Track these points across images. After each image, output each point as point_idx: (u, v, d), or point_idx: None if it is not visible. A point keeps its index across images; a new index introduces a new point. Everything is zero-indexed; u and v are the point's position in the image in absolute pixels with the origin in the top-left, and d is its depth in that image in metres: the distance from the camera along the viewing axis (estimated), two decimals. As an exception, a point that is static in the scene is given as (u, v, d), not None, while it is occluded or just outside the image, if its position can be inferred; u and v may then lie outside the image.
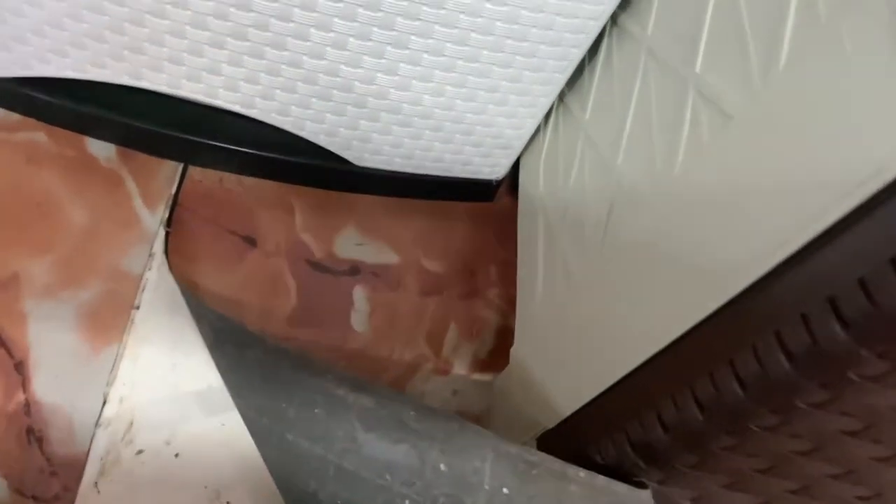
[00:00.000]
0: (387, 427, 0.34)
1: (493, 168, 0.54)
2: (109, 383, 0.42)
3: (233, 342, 0.39)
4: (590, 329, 0.37)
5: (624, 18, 0.41)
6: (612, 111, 0.40)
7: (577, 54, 0.44)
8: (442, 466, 0.32)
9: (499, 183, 0.56)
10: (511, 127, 0.50)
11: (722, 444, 0.29)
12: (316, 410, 0.36)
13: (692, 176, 0.31)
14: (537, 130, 0.52)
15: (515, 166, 0.56)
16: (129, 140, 0.50)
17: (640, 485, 0.32)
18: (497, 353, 0.51)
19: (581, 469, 0.31)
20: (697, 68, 0.32)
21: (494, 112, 0.48)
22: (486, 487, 0.31)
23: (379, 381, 0.45)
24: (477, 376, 0.50)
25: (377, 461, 0.34)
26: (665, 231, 0.32)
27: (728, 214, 0.28)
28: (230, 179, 0.52)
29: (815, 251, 0.24)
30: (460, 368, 0.50)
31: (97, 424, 0.41)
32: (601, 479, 0.31)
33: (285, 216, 0.52)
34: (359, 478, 0.34)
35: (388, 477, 0.33)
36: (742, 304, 0.27)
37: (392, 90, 0.45)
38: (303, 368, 0.36)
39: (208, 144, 0.49)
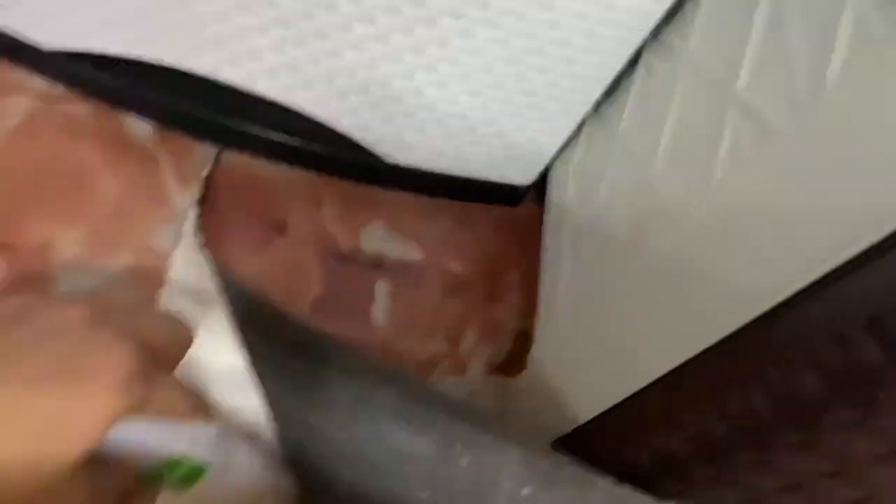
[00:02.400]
0: (411, 418, 0.34)
1: (522, 173, 0.54)
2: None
3: (261, 320, 0.40)
4: (615, 339, 0.38)
5: (666, 31, 0.41)
6: (649, 123, 0.40)
7: (617, 64, 0.44)
8: (463, 462, 0.32)
9: (526, 189, 0.56)
10: (545, 133, 0.50)
11: (745, 459, 0.28)
12: (342, 396, 0.36)
13: (730, 190, 0.31)
14: (570, 138, 0.52)
15: (543, 173, 0.56)
16: (167, 120, 0.51)
17: (663, 497, 0.32)
18: (515, 358, 0.52)
19: (603, 477, 0.31)
20: (740, 83, 0.32)
21: (529, 117, 0.48)
22: (507, 486, 0.32)
23: (406, 371, 0.45)
24: (494, 379, 0.50)
25: (399, 451, 0.34)
26: (699, 245, 0.32)
27: (765, 230, 0.28)
28: (262, 166, 0.52)
29: (853, 272, 0.24)
30: (477, 369, 0.50)
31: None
32: (623, 489, 0.31)
33: (314, 206, 0.52)
34: (379, 467, 0.34)
35: (408, 468, 0.34)
36: (775, 320, 0.27)
37: (430, 88, 0.46)
38: (332, 351, 0.36)
39: (244, 130, 0.50)
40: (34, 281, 0.43)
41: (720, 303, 0.29)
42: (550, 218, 0.52)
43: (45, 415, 0.22)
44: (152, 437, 0.27)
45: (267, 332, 0.40)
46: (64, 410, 0.23)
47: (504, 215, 0.58)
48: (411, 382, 0.35)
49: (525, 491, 0.31)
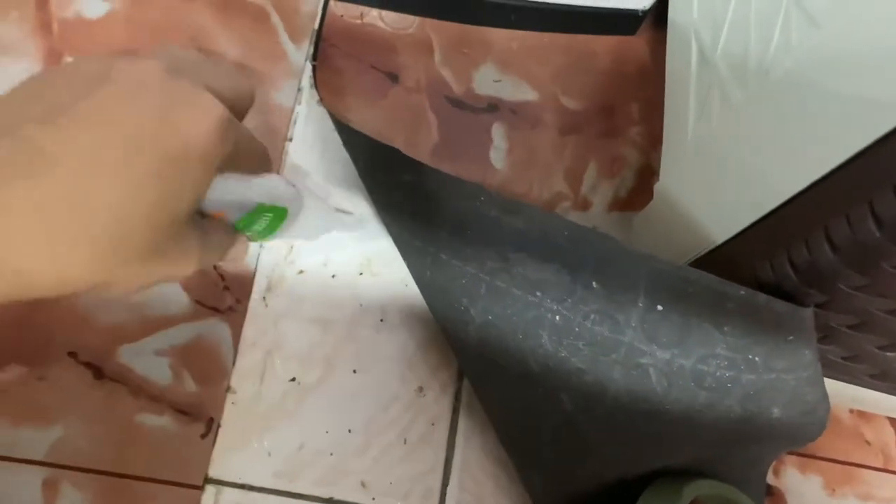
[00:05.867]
0: (538, 247, 0.34)
1: (640, -4, 0.51)
2: (270, 209, 0.45)
3: (385, 167, 0.40)
4: (745, 158, 0.36)
5: None
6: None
7: None
8: (594, 284, 0.33)
9: (644, 14, 0.53)
10: (664, -53, 0.46)
11: (894, 264, 0.27)
12: (468, 231, 0.36)
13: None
14: (692, -49, 0.48)
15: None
16: (272, -26, 0.50)
17: (802, 304, 0.31)
18: (638, 192, 0.51)
19: (741, 287, 0.31)
20: None
21: (647, -71, 0.45)
22: (640, 305, 0.32)
23: (530, 203, 0.46)
24: (617, 214, 0.50)
25: (528, 279, 0.35)
26: (840, 55, 0.29)
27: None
28: (371, 14, 0.51)
29: None
30: (599, 206, 0.50)
31: (261, 247, 0.44)
32: (762, 297, 0.31)
33: (425, 52, 0.52)
34: (510, 294, 0.35)
35: (538, 294, 0.34)
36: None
37: None
38: (455, 191, 0.37)
39: (349, -24, 0.49)
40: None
41: (851, 121, 0.27)
42: (673, 41, 0.49)
43: (152, 165, 0.22)
44: (239, 189, 0.29)
45: (391, 175, 0.40)
46: (170, 165, 0.23)
47: (621, 45, 0.55)
48: (537, 212, 0.35)
49: (659, 307, 0.31)
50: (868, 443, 0.48)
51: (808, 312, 0.31)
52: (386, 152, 0.39)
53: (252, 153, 0.30)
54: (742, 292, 0.31)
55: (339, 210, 0.41)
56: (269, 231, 0.33)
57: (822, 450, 0.47)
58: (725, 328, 0.31)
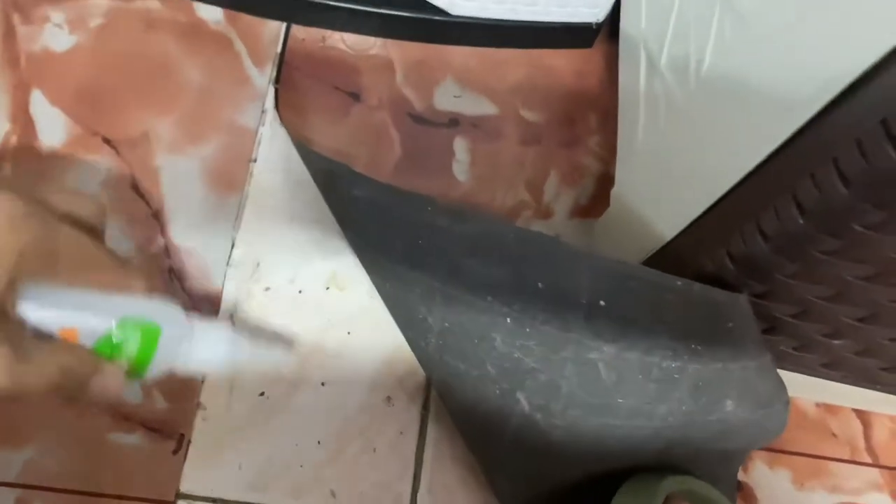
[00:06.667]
0: (487, 251, 0.35)
1: (592, 9, 0.52)
2: (236, 229, 0.46)
3: (341, 184, 0.42)
4: (688, 156, 0.37)
5: None
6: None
7: None
8: (540, 285, 0.34)
9: (599, 26, 0.54)
10: (611, -40, 0.48)
11: (823, 248, 0.28)
12: (420, 241, 0.37)
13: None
14: (639, -36, 0.49)
15: (615, 11, 0.54)
16: (234, 2, 0.52)
17: (737, 292, 0.32)
18: (598, 199, 0.52)
19: (678, 278, 0.32)
20: None
21: (592, -55, 0.46)
22: (584, 301, 0.33)
23: (478, 210, 0.46)
24: (578, 221, 0.51)
25: (479, 284, 0.36)
26: (766, 47, 0.31)
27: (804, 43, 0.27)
28: (332, 37, 0.53)
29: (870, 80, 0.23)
30: (561, 214, 0.51)
31: (228, 264, 0.45)
32: (697, 286, 0.32)
33: (386, 71, 0.53)
34: (463, 300, 0.36)
35: (489, 298, 0.35)
36: (843, 105, 0.26)
37: (485, -73, 0.44)
38: (406, 204, 0.38)
39: (308, 2, 0.51)
40: (138, 170, 0.47)
41: (789, 101, 0.28)
42: (624, 52, 0.50)
43: None
44: (91, 307, 0.26)
45: (348, 192, 0.42)
46: None
47: (577, 58, 0.56)
48: (485, 219, 0.36)
49: (602, 302, 0.32)
50: (834, 435, 0.49)
51: (743, 298, 0.32)
52: (337, 168, 0.40)
53: (100, 259, 0.27)
54: (678, 283, 0.32)
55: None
56: (143, 359, 0.28)
57: (790, 444, 0.48)
58: (666, 318, 0.32)
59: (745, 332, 0.33)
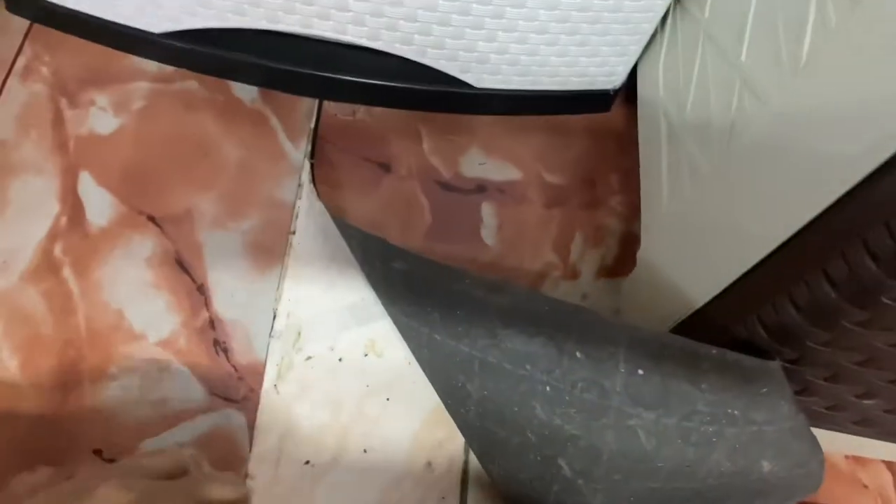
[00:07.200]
0: (523, 322, 0.37)
1: (609, 77, 0.55)
2: (277, 300, 0.47)
3: (379, 257, 0.43)
4: (717, 224, 0.39)
5: None
6: (733, 7, 0.40)
7: (693, -49, 0.43)
8: (578, 354, 0.35)
9: (616, 92, 0.57)
10: (627, 33, 0.50)
11: (855, 320, 0.30)
12: (458, 312, 0.39)
13: (818, 65, 0.31)
14: (654, 34, 0.52)
15: (631, 75, 0.56)
16: (268, 81, 0.54)
17: (770, 358, 0.34)
18: (623, 258, 0.53)
19: (713, 347, 0.33)
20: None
21: (610, 20, 0.49)
22: (622, 370, 0.34)
23: (513, 282, 0.48)
24: (605, 281, 0.53)
25: (517, 353, 0.37)
26: (789, 125, 0.32)
27: (849, 105, 0.28)
28: (362, 111, 0.55)
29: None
30: (588, 274, 0.53)
31: (270, 335, 0.46)
32: (731, 355, 0.33)
33: (414, 142, 0.55)
34: (502, 369, 0.37)
35: (528, 367, 0.37)
36: (872, 183, 0.27)
37: (508, 8, 0.47)
38: (442, 275, 0.40)
39: (340, 79, 0.53)
40: (182, 246, 0.49)
41: (813, 180, 0.30)
42: (644, 116, 0.53)
43: None
44: None
45: (385, 264, 0.43)
46: None
47: (597, 122, 0.59)
48: (520, 290, 0.38)
49: (640, 371, 0.34)
50: (866, 486, 0.50)
51: (775, 365, 0.33)
52: (376, 243, 0.42)
53: None
54: (713, 352, 0.33)
55: None
56: None
57: (823, 496, 0.49)
58: (703, 386, 0.33)
59: (778, 396, 0.34)
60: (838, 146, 0.29)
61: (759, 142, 0.35)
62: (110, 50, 0.54)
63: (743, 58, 0.38)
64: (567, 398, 0.35)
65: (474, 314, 0.39)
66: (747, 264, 0.34)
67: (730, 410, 0.33)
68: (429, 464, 0.45)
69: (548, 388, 0.36)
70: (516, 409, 0.37)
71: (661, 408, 0.34)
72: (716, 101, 0.41)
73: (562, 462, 0.36)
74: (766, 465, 0.35)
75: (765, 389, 0.34)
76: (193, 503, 0.33)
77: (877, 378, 0.34)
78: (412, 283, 0.42)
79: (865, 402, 0.37)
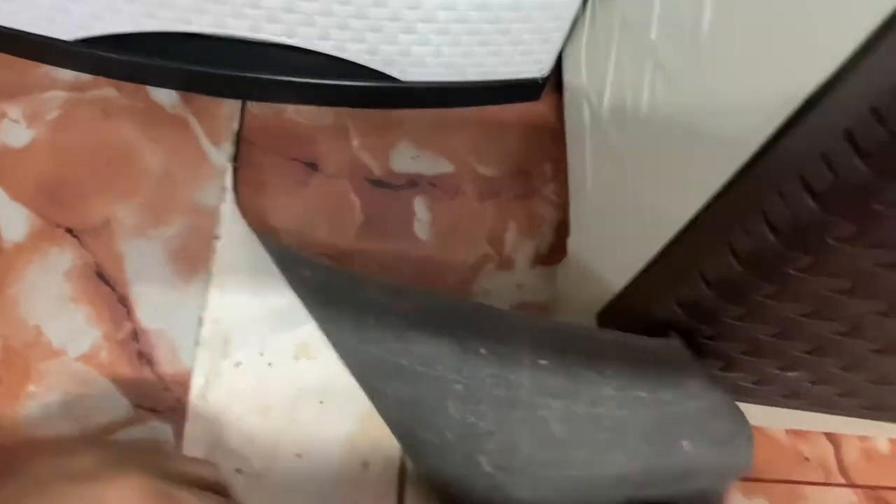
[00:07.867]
0: (427, 324, 0.37)
1: (536, 65, 0.54)
2: (203, 307, 0.46)
3: (294, 266, 0.43)
4: (634, 207, 0.39)
5: None
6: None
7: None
8: (482, 350, 0.35)
9: (544, 80, 0.56)
10: (549, 19, 0.50)
11: (763, 292, 0.30)
12: (367, 318, 0.39)
13: (719, 29, 0.31)
14: (577, 20, 0.52)
15: (559, 63, 0.56)
16: (188, 84, 0.53)
17: (695, 339, 0.34)
18: (557, 247, 0.53)
19: (612, 331, 0.33)
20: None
21: (530, 6, 0.48)
22: (527, 363, 0.34)
23: (415, 284, 0.48)
24: (539, 269, 0.52)
25: (425, 355, 0.37)
26: (695, 95, 0.32)
27: (753, 62, 0.28)
28: (289, 111, 0.54)
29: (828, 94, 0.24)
30: (523, 264, 0.52)
31: (196, 344, 0.45)
32: (632, 338, 0.33)
33: (342, 139, 0.54)
34: (414, 372, 0.37)
35: (438, 368, 0.36)
36: (766, 155, 0.27)
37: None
38: (349, 283, 0.39)
39: (260, 78, 0.52)
40: (102, 256, 0.47)
41: (717, 151, 0.30)
42: (569, 103, 0.52)
43: None
44: None
45: (300, 274, 0.43)
46: None
47: (527, 111, 0.58)
48: (420, 292, 0.38)
49: (543, 361, 0.34)
50: (807, 459, 0.50)
51: (676, 343, 0.33)
52: (285, 251, 0.42)
53: None
54: (613, 336, 0.33)
55: None
56: None
57: (764, 472, 0.49)
58: (607, 372, 0.33)
59: (685, 374, 0.34)
60: (732, 119, 0.29)
61: (667, 118, 0.35)
62: (21, 60, 0.52)
63: (653, 35, 0.38)
64: (478, 395, 0.35)
65: (382, 319, 0.38)
66: (660, 244, 0.34)
67: (637, 393, 0.33)
68: (365, 464, 0.44)
69: (458, 387, 0.36)
70: (432, 409, 0.37)
71: (568, 397, 0.34)
72: (630, 83, 0.41)
73: (481, 459, 0.36)
74: (685, 445, 0.35)
75: (670, 368, 0.34)
76: (162, 474, 0.33)
77: (794, 349, 0.34)
78: (324, 291, 0.41)
79: (789, 374, 0.37)
